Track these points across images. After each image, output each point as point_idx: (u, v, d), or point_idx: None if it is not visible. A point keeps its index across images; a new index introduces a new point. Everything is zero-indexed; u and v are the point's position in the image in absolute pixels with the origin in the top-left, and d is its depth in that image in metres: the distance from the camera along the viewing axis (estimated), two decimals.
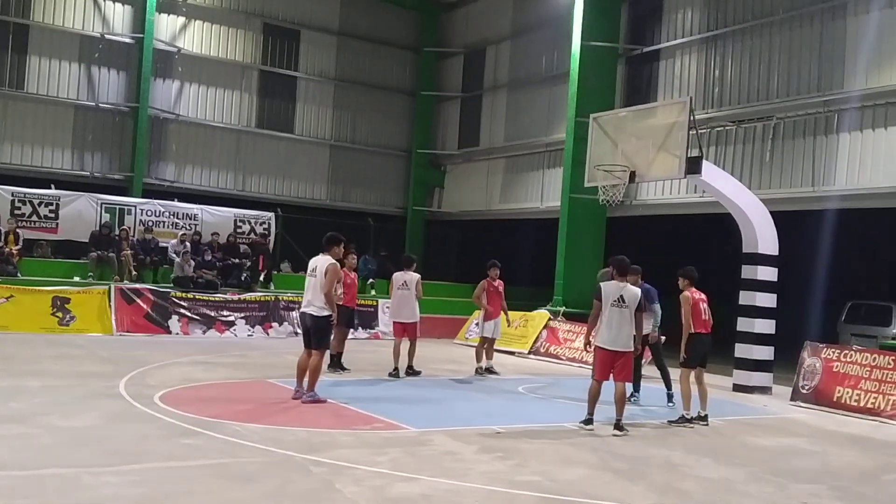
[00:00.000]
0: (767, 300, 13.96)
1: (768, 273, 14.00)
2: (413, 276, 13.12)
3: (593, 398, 9.35)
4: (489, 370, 13.95)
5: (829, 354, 12.63)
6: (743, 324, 14.01)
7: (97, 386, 10.03)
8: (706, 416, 10.18)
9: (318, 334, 9.90)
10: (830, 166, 15.84)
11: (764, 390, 13.71)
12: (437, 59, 27.18)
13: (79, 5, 21.96)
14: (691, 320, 10.14)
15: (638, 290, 9.50)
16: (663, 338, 11.78)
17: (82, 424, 7.87)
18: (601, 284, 9.59)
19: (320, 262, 9.95)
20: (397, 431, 8.60)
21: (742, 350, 13.98)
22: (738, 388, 13.82)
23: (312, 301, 9.85)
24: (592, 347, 9.50)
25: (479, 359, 13.99)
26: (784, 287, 14.40)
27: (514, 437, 8.64)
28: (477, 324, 14.46)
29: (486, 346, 14.10)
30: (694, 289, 10.34)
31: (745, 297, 14.01)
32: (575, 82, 19.88)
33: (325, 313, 9.83)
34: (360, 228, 23.44)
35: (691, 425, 10.01)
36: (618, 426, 9.21)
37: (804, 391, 12.67)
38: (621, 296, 9.25)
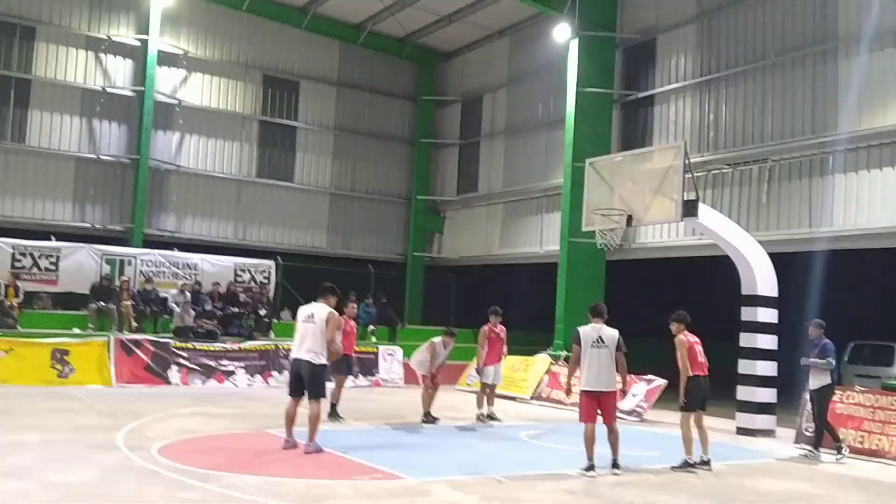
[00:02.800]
0: (768, 342, 13.93)
1: (768, 315, 13.99)
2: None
3: (590, 443, 9.37)
4: (490, 417, 13.84)
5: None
6: (744, 366, 13.95)
7: (95, 439, 9.96)
8: (709, 460, 10.09)
9: (314, 382, 9.77)
10: (826, 207, 15.92)
11: (768, 433, 13.61)
12: (435, 108, 27.49)
13: (80, 60, 22.29)
14: (688, 363, 10.10)
15: (615, 331, 9.66)
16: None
17: (80, 480, 7.81)
18: (579, 329, 9.79)
19: (318, 310, 9.87)
20: (396, 481, 8.51)
21: (744, 393, 13.90)
22: (741, 431, 13.72)
23: (311, 348, 9.72)
24: (572, 392, 9.85)
25: (480, 405, 13.90)
26: (785, 328, 14.36)
27: (516, 487, 8.56)
28: (477, 370, 14.35)
29: (488, 392, 14.02)
30: (687, 332, 10.34)
31: (746, 339, 13.97)
32: (571, 128, 20.08)
33: (322, 361, 9.75)
34: (360, 275, 23.46)
35: (694, 470, 9.91)
36: (615, 465, 9.44)
37: (808, 434, 12.55)
38: (599, 336, 9.52)
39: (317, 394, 9.82)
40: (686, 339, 10.24)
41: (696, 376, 10.15)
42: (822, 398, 11.41)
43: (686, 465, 9.99)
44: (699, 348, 10.30)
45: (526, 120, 23.94)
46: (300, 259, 23.74)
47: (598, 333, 9.57)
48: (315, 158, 25.91)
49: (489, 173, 25.30)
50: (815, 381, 11.37)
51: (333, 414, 12.73)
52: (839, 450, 11.37)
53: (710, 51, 18.63)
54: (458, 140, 26.68)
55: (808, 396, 11.97)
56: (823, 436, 11.52)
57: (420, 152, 27.33)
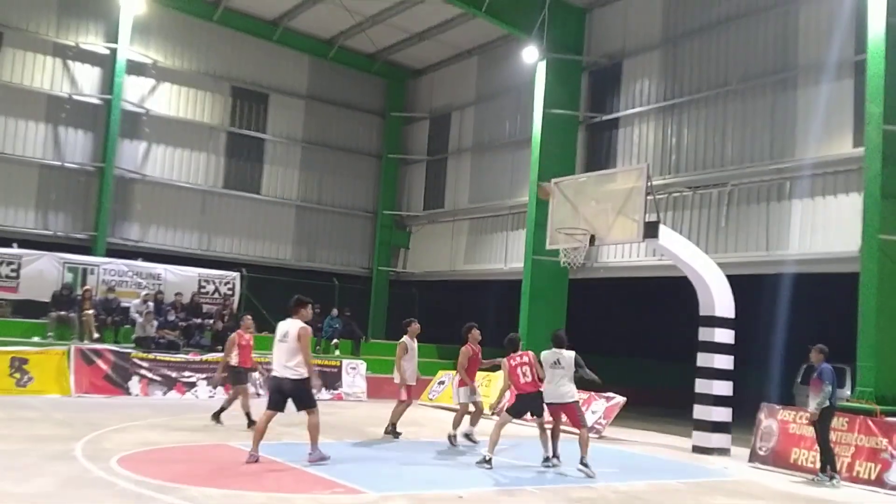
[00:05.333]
0: (725, 362, 14.19)
1: (725, 335, 14.25)
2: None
3: (545, 439, 11.23)
4: (468, 437, 13.22)
5: (785, 416, 12.82)
6: (701, 385, 14.19)
7: (52, 449, 9.88)
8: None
9: (301, 396, 10.05)
10: (784, 231, 16.32)
11: (723, 452, 13.85)
12: (403, 124, 27.67)
13: (48, 66, 22.10)
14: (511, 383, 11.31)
15: (572, 353, 11.17)
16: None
17: (36, 490, 7.75)
18: (542, 353, 11.32)
19: (291, 327, 10.07)
20: (357, 496, 8.56)
21: (701, 412, 14.14)
22: (697, 449, 13.96)
23: (289, 365, 9.92)
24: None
25: (455, 425, 13.21)
26: (741, 349, 14.66)
27: (475, 502, 8.64)
28: (472, 389, 13.74)
29: (473, 413, 13.46)
30: (514, 354, 11.36)
31: (703, 359, 14.22)
32: (537, 147, 20.35)
33: (304, 375, 9.96)
34: (324, 288, 23.45)
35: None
36: (582, 462, 10.57)
37: (762, 452, 12.83)
38: (557, 359, 11.15)
39: (308, 405, 10.10)
40: (507, 362, 11.30)
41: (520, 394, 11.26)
42: (822, 421, 11.48)
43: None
44: (524, 369, 11.19)
45: (493, 138, 24.20)
46: (265, 271, 23.69)
47: (557, 357, 11.14)
48: (282, 170, 25.92)
49: (455, 190, 25.50)
50: (815, 404, 11.50)
51: (216, 416, 13.35)
52: (832, 477, 11.38)
53: (675, 76, 19.04)
54: (426, 156, 26.86)
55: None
56: (834, 457, 11.53)
57: (387, 167, 27.46)
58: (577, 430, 10.95)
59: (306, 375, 9.97)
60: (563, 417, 11.35)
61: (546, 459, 11.21)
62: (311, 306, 10.63)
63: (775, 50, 17.06)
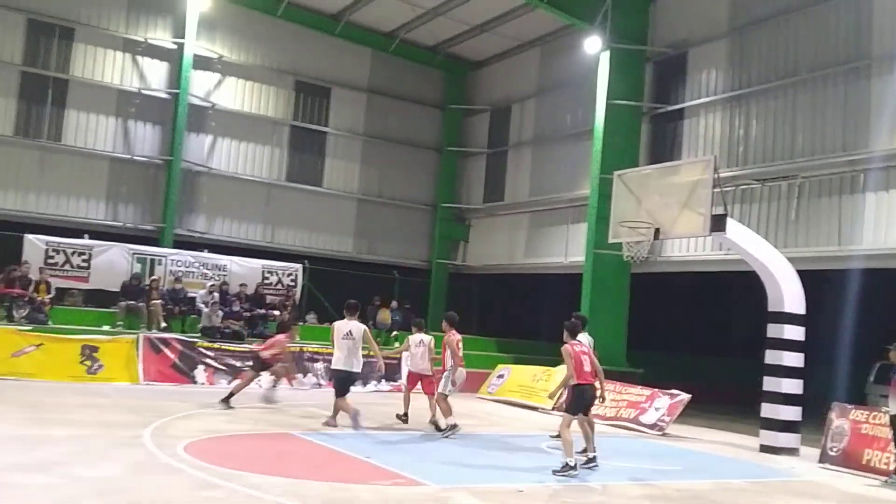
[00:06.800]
0: (794, 360, 13.79)
1: (795, 332, 13.85)
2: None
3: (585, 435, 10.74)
4: (435, 424, 12.97)
5: (857, 416, 12.43)
6: (769, 383, 13.82)
7: (122, 436, 10.14)
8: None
9: (344, 384, 12.37)
10: (856, 225, 15.79)
11: (791, 451, 13.48)
12: (463, 116, 27.61)
13: (118, 61, 22.66)
14: (573, 372, 10.10)
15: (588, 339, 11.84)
16: None
17: (106, 475, 7.95)
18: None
19: (355, 327, 12.28)
20: (418, 488, 8.58)
21: (769, 410, 13.78)
22: (764, 448, 13.62)
23: (350, 358, 12.22)
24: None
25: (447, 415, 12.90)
26: (811, 346, 14.25)
27: (537, 497, 8.58)
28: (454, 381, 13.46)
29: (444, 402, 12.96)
30: (574, 341, 10.30)
31: (772, 357, 13.84)
32: (599, 139, 20.10)
33: (357, 370, 12.40)
34: (384, 281, 23.63)
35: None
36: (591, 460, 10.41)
37: (832, 453, 12.45)
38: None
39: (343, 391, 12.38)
40: (571, 349, 10.17)
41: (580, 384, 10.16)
42: None
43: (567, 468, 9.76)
44: (585, 357, 10.23)
45: (554, 130, 23.98)
46: (327, 263, 23.91)
47: (586, 340, 11.51)
48: (344, 164, 26.13)
49: (515, 183, 25.35)
50: (895, 405, 11.12)
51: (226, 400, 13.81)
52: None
53: (742, 66, 18.57)
54: (486, 149, 26.77)
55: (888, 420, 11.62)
56: None
57: (447, 160, 27.46)
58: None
59: (358, 371, 12.34)
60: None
61: (590, 460, 10.49)
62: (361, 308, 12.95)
63: (847, 38, 16.50)
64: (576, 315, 12.04)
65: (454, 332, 12.97)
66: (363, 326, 12.63)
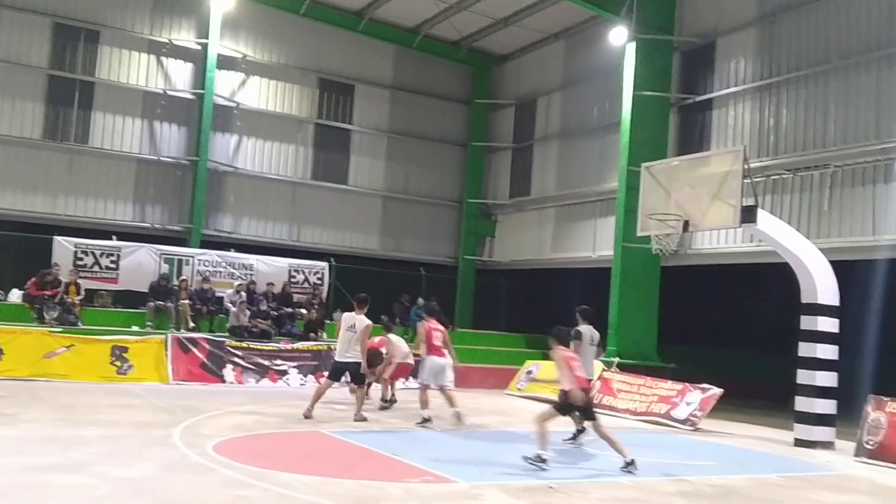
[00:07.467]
0: (829, 352, 13.55)
1: (829, 324, 13.61)
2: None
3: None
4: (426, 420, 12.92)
5: (894, 409, 12.19)
6: (803, 376, 13.60)
7: (153, 435, 10.17)
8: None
9: (359, 375, 12.72)
10: (891, 214, 15.47)
11: (826, 445, 13.26)
12: (489, 111, 27.48)
13: (143, 63, 22.82)
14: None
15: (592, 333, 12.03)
16: None
17: (138, 475, 7.97)
18: (579, 328, 11.96)
19: (359, 321, 12.43)
20: (448, 485, 8.51)
21: (803, 404, 13.55)
22: (799, 442, 13.41)
23: (353, 350, 12.47)
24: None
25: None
26: (845, 338, 13.99)
27: (568, 493, 8.48)
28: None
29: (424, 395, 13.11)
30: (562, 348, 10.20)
31: (806, 349, 13.62)
32: (627, 132, 19.88)
33: (360, 360, 12.55)
34: (411, 278, 23.60)
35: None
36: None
37: (869, 447, 12.22)
38: (592, 336, 12.11)
39: (360, 381, 12.83)
40: (563, 353, 10.09)
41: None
42: None
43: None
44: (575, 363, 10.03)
45: (580, 123, 23.78)
46: (353, 261, 23.92)
47: (592, 334, 11.99)
48: (369, 161, 26.12)
49: (542, 177, 25.19)
50: None
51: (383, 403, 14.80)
52: None
53: (771, 54, 18.27)
54: (512, 143, 26.62)
55: None
56: None
57: (473, 155, 27.34)
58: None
59: (360, 361, 12.45)
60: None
61: (628, 464, 9.75)
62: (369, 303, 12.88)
63: (879, 24, 16.15)
64: (581, 308, 12.51)
65: (433, 322, 13.35)
66: (366, 322, 12.64)
